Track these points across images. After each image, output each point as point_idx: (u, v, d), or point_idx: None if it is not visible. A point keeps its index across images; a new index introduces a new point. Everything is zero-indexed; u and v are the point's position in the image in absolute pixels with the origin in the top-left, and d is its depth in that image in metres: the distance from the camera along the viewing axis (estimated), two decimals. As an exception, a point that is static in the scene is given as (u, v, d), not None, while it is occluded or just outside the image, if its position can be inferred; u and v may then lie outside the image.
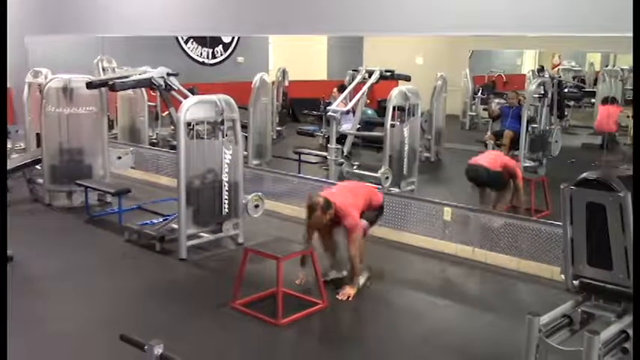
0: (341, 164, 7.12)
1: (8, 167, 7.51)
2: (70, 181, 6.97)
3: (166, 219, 6.02)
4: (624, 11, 3.11)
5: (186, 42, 10.23)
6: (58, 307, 4.59)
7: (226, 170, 5.61)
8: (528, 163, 7.07)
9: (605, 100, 8.21)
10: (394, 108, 6.80)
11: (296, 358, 4.02)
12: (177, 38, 10.02)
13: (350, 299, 4.65)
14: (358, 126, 7.63)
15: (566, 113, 8.33)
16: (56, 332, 4.16)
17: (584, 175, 3.18)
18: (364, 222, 4.77)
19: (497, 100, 8.56)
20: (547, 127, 7.34)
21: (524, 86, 8.87)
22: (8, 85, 10.84)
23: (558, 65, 9.23)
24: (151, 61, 7.19)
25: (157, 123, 9.82)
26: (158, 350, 2.38)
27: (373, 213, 4.95)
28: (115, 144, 8.63)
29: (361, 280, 4.85)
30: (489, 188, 6.13)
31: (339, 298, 4.65)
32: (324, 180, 6.95)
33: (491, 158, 6.06)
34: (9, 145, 9.06)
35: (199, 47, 10.40)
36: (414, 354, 3.98)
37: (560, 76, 8.47)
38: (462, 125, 9.42)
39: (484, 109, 9.11)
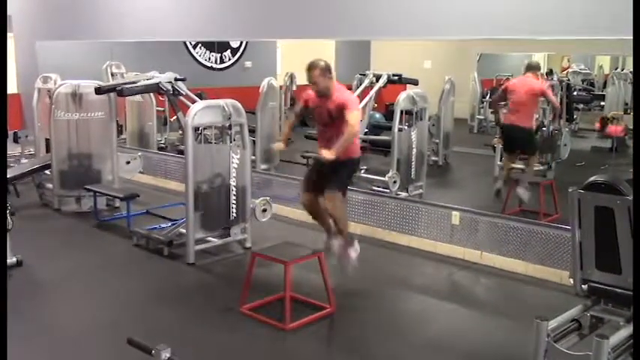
0: (349, 168, 7.10)
1: (18, 172, 7.58)
2: (79, 185, 7.02)
3: (174, 223, 6.04)
4: (631, 14, 3.09)
5: (194, 47, 10.25)
6: (65, 311, 4.61)
7: (234, 175, 5.61)
8: (537, 167, 7.03)
9: (602, 120, 8.16)
10: (402, 112, 6.79)
11: (303, 363, 4.01)
12: (185, 43, 10.04)
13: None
14: (366, 130, 7.61)
15: (575, 116, 8.28)
16: (63, 335, 4.18)
17: (592, 178, 3.17)
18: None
19: (503, 103, 8.52)
20: (556, 131, 7.30)
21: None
22: (17, 91, 10.96)
23: (567, 68, 9.18)
24: (159, 67, 7.22)
25: (166, 128, 9.85)
26: (165, 355, 2.38)
27: (348, 165, 4.69)
28: (124, 149, 8.66)
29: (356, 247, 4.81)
30: (522, 149, 6.35)
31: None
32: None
33: (524, 116, 6.24)
34: (19, 151, 9.13)
35: (207, 52, 10.42)
36: (421, 359, 3.97)
37: (569, 80, 8.42)
38: (470, 129, 9.38)
39: (492, 113, 9.07)
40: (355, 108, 4.49)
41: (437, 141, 8.45)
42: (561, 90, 7.45)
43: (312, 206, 4.79)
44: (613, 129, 7.92)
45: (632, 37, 3.03)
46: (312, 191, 4.75)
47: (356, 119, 4.40)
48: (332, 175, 4.60)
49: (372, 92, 7.31)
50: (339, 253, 4.83)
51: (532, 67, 6.53)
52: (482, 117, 9.40)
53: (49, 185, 7.41)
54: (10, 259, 5.17)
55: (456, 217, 5.75)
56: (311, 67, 4.52)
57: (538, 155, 6.36)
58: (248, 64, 10.57)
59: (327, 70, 4.51)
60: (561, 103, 7.43)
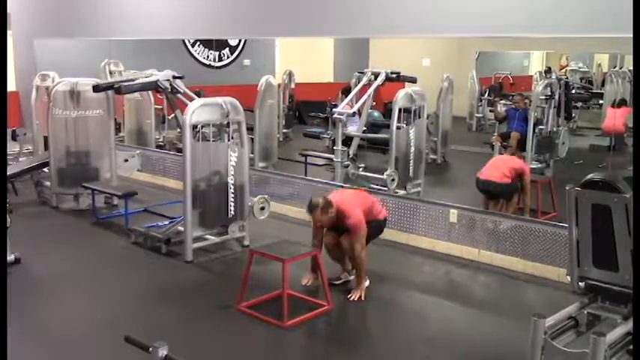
0: (347, 166, 7.11)
1: (16, 170, 7.57)
2: (77, 183, 7.01)
3: (172, 221, 6.04)
4: (632, 12, 3.09)
5: (192, 45, 10.25)
6: (63, 309, 4.61)
7: (232, 172, 5.61)
8: (535, 165, 7.03)
9: (614, 102, 8.17)
10: (400, 110, 6.79)
11: (301, 361, 4.02)
12: (184, 41, 10.04)
13: (362, 299, 4.69)
14: (364, 128, 7.61)
15: (573, 115, 8.28)
16: (61, 333, 4.18)
17: (589, 176, 3.17)
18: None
19: (502, 102, 8.53)
20: (554, 129, 7.31)
21: (531, 88, 8.83)
22: (15, 89, 10.95)
23: (566, 66, 9.18)
24: (157, 64, 7.22)
25: (164, 126, 9.84)
26: (163, 352, 2.38)
27: (373, 226, 4.84)
28: (122, 147, 8.66)
29: (366, 283, 4.85)
30: (501, 198, 6.12)
31: (352, 299, 4.70)
32: (330, 182, 6.94)
33: (500, 172, 5.95)
34: (17, 148, 9.12)
35: (206, 50, 10.41)
36: (419, 356, 3.97)
37: (567, 78, 8.43)
38: (468, 127, 9.38)
39: (491, 111, 9.08)
40: (359, 234, 4.65)
41: (435, 139, 8.45)
42: (560, 88, 7.45)
43: (334, 246, 4.86)
44: (620, 111, 7.90)
45: (631, 35, 3.03)
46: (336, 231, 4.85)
47: (357, 246, 4.63)
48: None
49: (371, 90, 7.30)
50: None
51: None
52: (480, 115, 9.41)
53: (47, 183, 7.40)
54: (9, 257, 5.17)
55: (454, 214, 5.75)
56: (312, 210, 4.66)
57: (516, 201, 6.09)
58: (246, 62, 10.56)
59: (327, 207, 4.63)
60: (559, 101, 7.44)
